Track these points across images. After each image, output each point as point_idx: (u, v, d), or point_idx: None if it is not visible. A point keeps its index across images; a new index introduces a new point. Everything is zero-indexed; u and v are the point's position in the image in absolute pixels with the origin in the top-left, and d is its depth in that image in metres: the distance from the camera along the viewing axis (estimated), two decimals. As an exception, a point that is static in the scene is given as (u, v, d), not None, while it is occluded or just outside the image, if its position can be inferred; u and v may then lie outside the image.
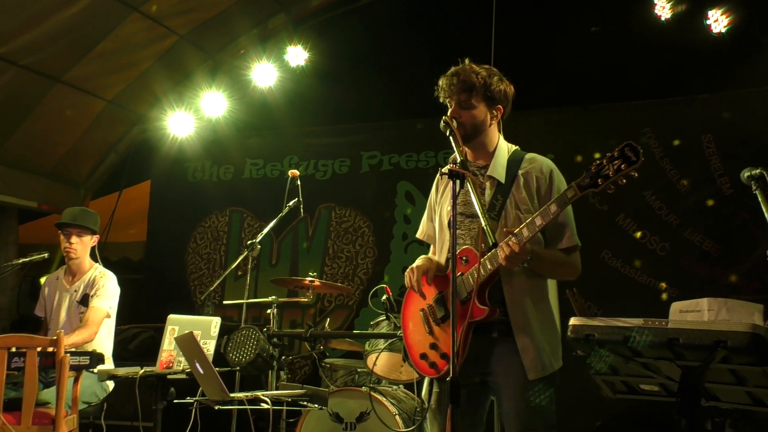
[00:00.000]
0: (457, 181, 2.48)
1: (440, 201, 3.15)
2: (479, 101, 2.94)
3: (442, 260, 3.07)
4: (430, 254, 3.25)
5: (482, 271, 2.75)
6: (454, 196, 2.52)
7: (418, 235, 3.29)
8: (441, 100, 3.01)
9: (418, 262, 3.04)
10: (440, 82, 2.98)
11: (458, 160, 2.56)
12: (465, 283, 2.84)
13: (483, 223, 2.40)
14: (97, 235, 4.95)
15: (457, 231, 2.97)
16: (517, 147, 3.10)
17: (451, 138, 2.77)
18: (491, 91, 2.94)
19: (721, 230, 5.87)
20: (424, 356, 2.97)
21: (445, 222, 3.04)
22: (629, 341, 2.33)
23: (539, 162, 2.99)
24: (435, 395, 2.98)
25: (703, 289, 5.72)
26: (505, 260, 2.67)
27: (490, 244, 2.40)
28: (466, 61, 3.02)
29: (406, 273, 3.03)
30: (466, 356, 2.77)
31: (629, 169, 2.46)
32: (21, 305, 8.06)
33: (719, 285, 5.74)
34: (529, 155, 3.04)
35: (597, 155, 6.16)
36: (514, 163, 2.98)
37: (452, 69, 2.98)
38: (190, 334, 3.36)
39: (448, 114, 2.92)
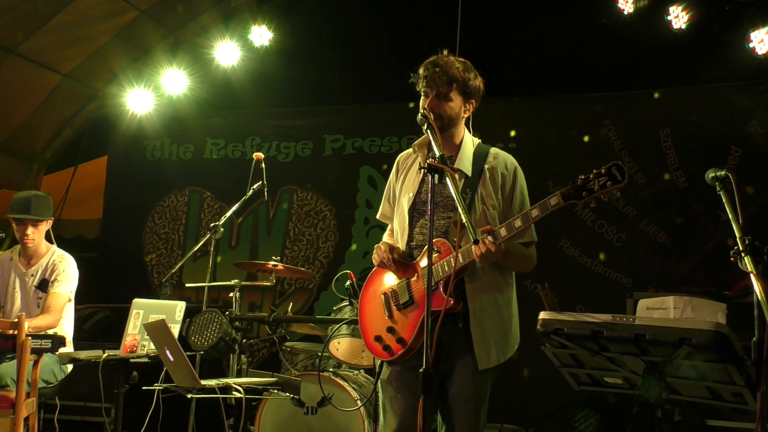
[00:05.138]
0: (436, 176, 2.50)
1: (401, 186, 3.19)
2: (457, 95, 2.99)
3: (403, 247, 3.11)
4: (387, 234, 3.32)
5: (454, 264, 2.79)
6: (432, 190, 2.55)
7: (378, 216, 3.36)
8: (418, 88, 3.03)
9: (386, 240, 3.18)
10: (420, 71, 3.00)
11: (437, 154, 2.57)
12: (434, 274, 2.88)
13: (464, 219, 2.44)
14: (52, 219, 4.80)
15: (420, 221, 3.04)
16: (479, 140, 3.17)
17: (428, 131, 2.79)
18: (469, 86, 3.00)
19: (675, 223, 6.04)
20: (378, 338, 3.04)
21: (405, 210, 3.09)
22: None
23: (503, 158, 3.09)
24: (384, 376, 3.06)
25: (656, 279, 5.88)
26: (480, 258, 2.76)
27: (472, 240, 2.44)
28: (445, 51, 3.05)
29: (375, 250, 3.09)
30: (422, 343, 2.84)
31: (613, 187, 2.57)
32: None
33: (672, 276, 5.92)
34: (494, 150, 3.12)
35: (558, 144, 6.31)
36: (479, 156, 3.06)
37: (432, 58, 3.01)
38: (162, 321, 3.33)
39: (426, 105, 2.94)
